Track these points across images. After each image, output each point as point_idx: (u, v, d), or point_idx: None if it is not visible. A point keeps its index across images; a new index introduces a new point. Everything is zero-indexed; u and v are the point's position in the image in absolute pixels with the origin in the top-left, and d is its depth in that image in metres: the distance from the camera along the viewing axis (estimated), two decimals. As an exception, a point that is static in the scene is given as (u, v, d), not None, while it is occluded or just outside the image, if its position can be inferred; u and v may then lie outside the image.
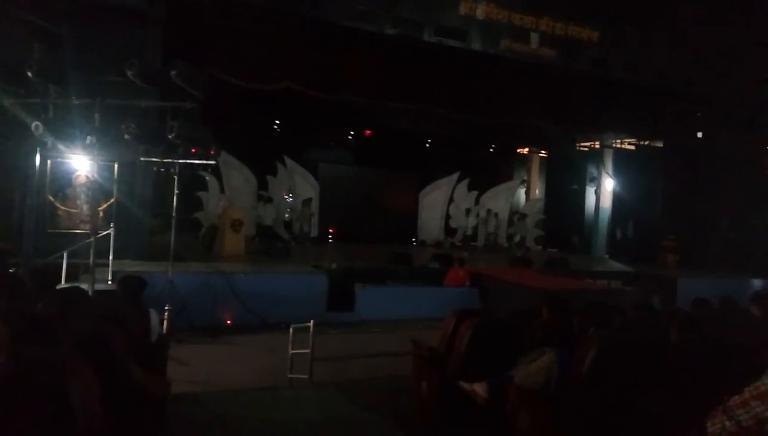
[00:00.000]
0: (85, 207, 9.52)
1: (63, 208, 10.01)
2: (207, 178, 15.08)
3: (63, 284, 6.81)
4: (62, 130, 7.24)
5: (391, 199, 18.96)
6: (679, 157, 16.74)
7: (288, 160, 16.93)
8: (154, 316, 4.33)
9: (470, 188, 19.23)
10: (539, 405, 3.38)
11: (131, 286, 4.42)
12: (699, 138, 16.85)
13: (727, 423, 2.36)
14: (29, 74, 6.29)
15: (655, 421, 2.84)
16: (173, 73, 6.53)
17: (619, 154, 18.85)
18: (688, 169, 16.45)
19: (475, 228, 18.78)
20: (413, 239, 18.31)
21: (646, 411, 2.91)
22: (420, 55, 12.80)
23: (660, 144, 17.74)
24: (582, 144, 19.72)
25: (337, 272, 11.34)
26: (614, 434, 2.97)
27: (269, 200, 16.03)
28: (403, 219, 18.58)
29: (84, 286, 5.84)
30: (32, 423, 1.19)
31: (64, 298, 2.84)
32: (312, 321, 7.08)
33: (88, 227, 8.68)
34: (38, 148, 8.92)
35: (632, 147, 18.65)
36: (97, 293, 5.95)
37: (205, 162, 10.16)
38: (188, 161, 9.30)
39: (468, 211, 18.38)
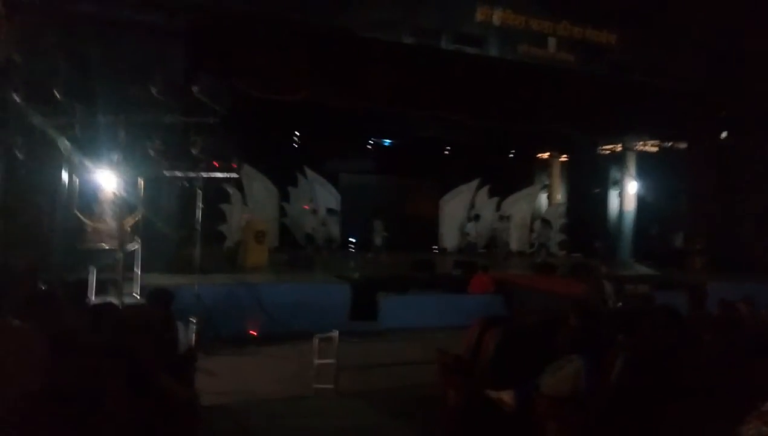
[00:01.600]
0: (112, 223, 9.70)
1: (90, 223, 10.20)
2: (230, 190, 15.24)
3: (92, 299, 6.94)
4: (88, 147, 7.41)
5: (413, 207, 18.95)
6: (703, 159, 16.47)
7: (308, 171, 17.05)
8: (181, 328, 4.40)
9: (491, 195, 19.13)
10: (567, 414, 3.35)
11: (159, 299, 4.49)
12: (724, 138, 16.54)
13: (764, 429, 2.32)
14: (56, 93, 6.45)
15: (687, 428, 2.79)
16: (196, 88, 6.64)
17: (642, 156, 18.60)
18: (714, 170, 16.16)
19: (497, 234, 18.65)
20: (435, 247, 18.26)
21: (678, 418, 2.86)
22: (438, 62, 12.82)
23: (684, 145, 17.46)
24: (604, 147, 19.50)
25: (359, 281, 11.36)
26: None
27: (313, 212, 16.22)
28: (425, 227, 18.52)
29: (113, 300, 5.95)
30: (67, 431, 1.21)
31: (95, 312, 2.90)
32: (336, 331, 7.11)
33: (115, 242, 8.83)
34: (65, 166, 9.12)
35: (655, 149, 18.39)
36: (126, 306, 6.06)
37: (227, 175, 10.28)
38: (211, 175, 9.44)
39: (477, 217, 18.18)
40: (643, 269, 15.52)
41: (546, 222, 18.47)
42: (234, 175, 10.58)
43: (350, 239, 17.24)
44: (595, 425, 3.12)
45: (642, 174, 18.34)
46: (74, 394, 1.36)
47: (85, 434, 1.43)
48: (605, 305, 7.58)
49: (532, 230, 19.16)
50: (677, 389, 3.02)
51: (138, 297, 8.60)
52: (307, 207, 16.96)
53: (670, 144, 17.87)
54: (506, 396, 3.99)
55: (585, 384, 3.38)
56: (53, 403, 1.33)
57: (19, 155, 7.53)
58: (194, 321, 7.71)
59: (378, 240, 15.98)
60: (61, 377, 1.41)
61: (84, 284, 6.74)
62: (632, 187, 18.53)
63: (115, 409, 1.63)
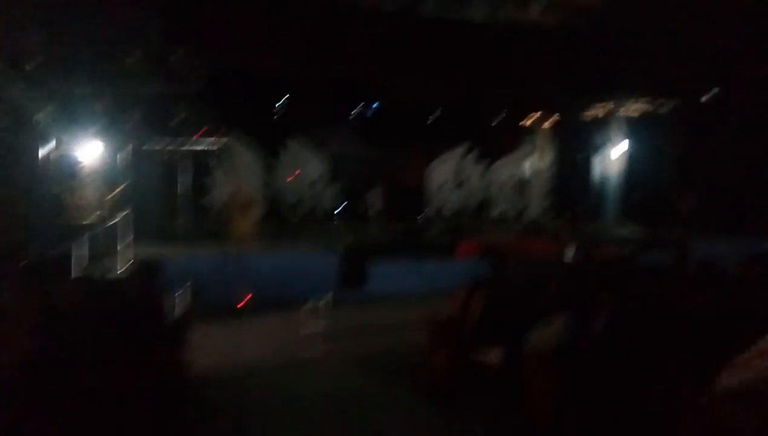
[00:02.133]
0: (92, 197, 9.58)
1: (69, 199, 10.06)
2: (213, 162, 15.08)
3: (74, 275, 6.88)
4: (66, 121, 7.25)
5: (399, 176, 18.88)
6: (692, 118, 16.49)
7: (293, 141, 16.89)
8: (169, 300, 4.38)
9: (477, 161, 19.13)
10: (552, 369, 3.40)
11: (147, 270, 4.46)
12: (714, 95, 16.50)
13: (742, 376, 2.35)
14: (32, 66, 6.27)
15: (670, 380, 2.85)
16: (174, 57, 6.49)
17: (630, 118, 18.61)
18: (703, 129, 16.21)
19: (484, 200, 18.72)
20: (422, 214, 18.29)
21: (660, 371, 2.91)
22: (420, 28, 12.64)
23: (672, 105, 17.46)
24: (590, 110, 19.48)
25: (347, 250, 11.37)
26: (628, 395, 2.98)
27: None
28: (411, 195, 18.51)
29: (95, 273, 5.90)
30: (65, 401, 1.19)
31: (79, 287, 2.87)
32: (324, 298, 7.14)
33: (96, 217, 8.74)
34: (41, 141, 8.93)
35: (643, 110, 18.39)
36: (113, 279, 6.02)
37: (209, 146, 10.16)
38: (194, 147, 9.33)
39: (464, 183, 18.15)
40: (629, 231, 15.69)
41: (529, 185, 18.32)
42: (217, 145, 10.48)
43: (336, 209, 17.21)
44: (581, 379, 3.17)
45: (629, 136, 18.37)
46: (70, 364, 1.34)
47: (81, 405, 1.41)
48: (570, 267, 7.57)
49: (519, 195, 19.24)
50: (661, 342, 3.07)
51: (121, 271, 8.55)
52: (290, 178, 16.86)
53: (657, 104, 17.87)
54: (493, 356, 4.05)
55: (571, 340, 3.43)
56: (50, 374, 1.30)
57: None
58: (182, 292, 7.69)
59: (369, 209, 16.03)
60: (56, 348, 1.38)
61: (67, 260, 6.66)
62: (619, 149, 18.59)
63: (111, 379, 1.61)
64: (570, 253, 8.19)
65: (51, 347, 1.34)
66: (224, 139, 11.16)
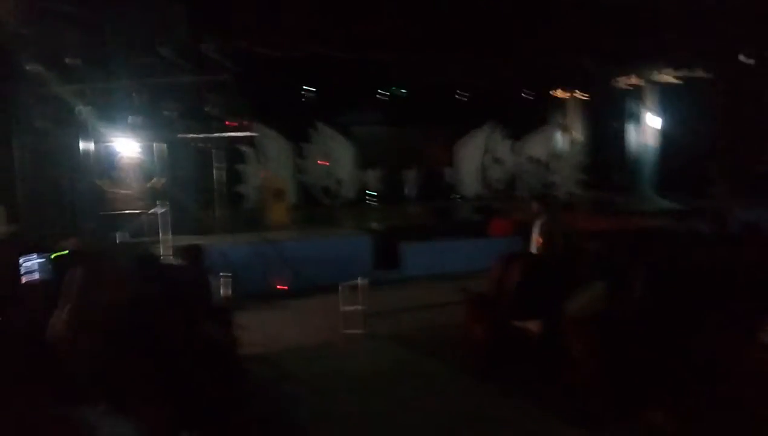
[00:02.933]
0: (134, 186, 9.86)
1: (111, 190, 10.39)
2: (245, 150, 15.30)
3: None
4: (103, 113, 7.48)
5: (428, 156, 18.85)
6: (728, 88, 16.01)
7: (321, 126, 17.00)
8: (214, 282, 4.55)
9: (506, 137, 18.94)
10: (592, 333, 3.44)
11: (189, 254, 4.62)
12: (750, 65, 16.01)
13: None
14: (69, 61, 6.49)
15: (709, 336, 2.87)
16: (205, 46, 6.63)
17: (663, 88, 18.14)
18: (739, 99, 15.74)
19: (514, 177, 18.59)
20: (453, 194, 18.26)
21: (699, 330, 2.93)
22: (444, 3, 12.52)
23: (708, 75, 16.98)
24: (622, 81, 19.04)
25: (380, 231, 11.48)
26: (668, 354, 3.01)
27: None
28: (441, 174, 18.48)
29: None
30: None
31: (143, 263, 3.01)
32: (360, 278, 7.25)
33: (139, 206, 9.01)
34: (82, 133, 9.22)
35: (677, 80, 17.92)
36: (163, 263, 6.22)
37: (241, 134, 10.32)
38: (225, 135, 9.49)
39: (497, 160, 17.96)
40: (665, 203, 15.41)
41: (560, 160, 18.07)
42: (248, 133, 10.63)
43: (368, 191, 17.32)
44: (620, 341, 3.21)
45: (662, 106, 17.95)
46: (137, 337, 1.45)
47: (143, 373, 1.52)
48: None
49: (549, 170, 19.01)
50: (697, 303, 3.08)
51: (168, 256, 8.81)
52: (321, 162, 17.00)
53: (692, 74, 17.38)
54: (532, 325, 4.11)
55: (608, 305, 3.46)
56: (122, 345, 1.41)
57: (39, 124, 7.63)
58: (224, 276, 7.91)
59: (400, 190, 16.21)
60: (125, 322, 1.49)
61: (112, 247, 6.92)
62: (652, 120, 18.18)
63: (170, 351, 1.73)
64: (607, 226, 8.14)
65: (122, 320, 1.46)
66: (256, 127, 11.32)
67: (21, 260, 1.33)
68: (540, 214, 6.74)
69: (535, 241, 6.37)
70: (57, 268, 1.21)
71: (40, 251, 2.34)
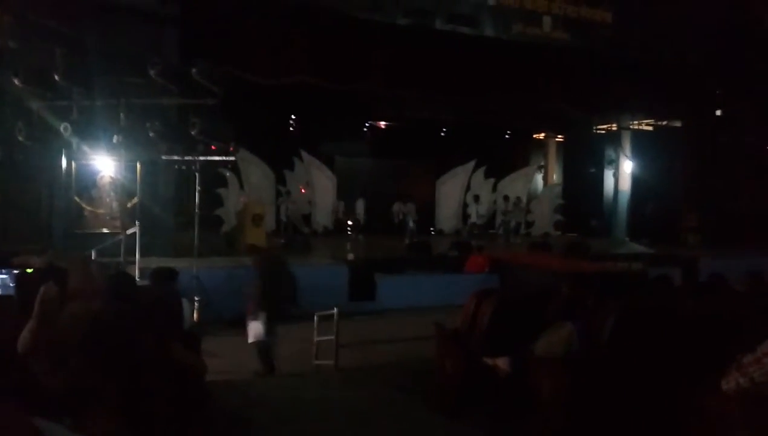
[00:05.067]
0: (114, 205, 9.77)
1: (89, 208, 10.30)
2: (227, 174, 15.31)
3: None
4: (87, 131, 7.48)
5: (409, 190, 19.05)
6: (698, 137, 16.58)
7: (305, 155, 17.11)
8: (186, 305, 4.51)
9: (487, 176, 19.24)
10: (560, 374, 3.49)
11: (163, 276, 4.60)
12: (718, 116, 16.65)
13: (741, 380, 2.45)
14: (56, 77, 6.50)
15: (673, 383, 2.93)
16: (194, 70, 6.70)
17: (637, 135, 18.72)
18: (708, 148, 16.28)
19: (493, 215, 18.83)
20: (431, 228, 18.39)
21: (664, 374, 3.00)
22: (432, 43, 12.86)
23: (678, 124, 17.57)
24: (599, 127, 19.60)
25: (357, 262, 11.49)
26: (633, 398, 3.07)
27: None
28: (421, 208, 18.66)
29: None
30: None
31: (117, 281, 3.00)
32: (336, 309, 7.24)
33: (114, 226, 8.93)
34: (64, 150, 9.18)
35: (650, 128, 18.50)
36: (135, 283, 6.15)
37: (224, 158, 10.34)
38: (209, 158, 9.51)
39: (477, 197, 18.17)
40: (637, 247, 15.70)
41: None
42: (231, 158, 10.66)
43: (347, 221, 17.38)
44: (587, 383, 3.26)
45: (637, 153, 18.47)
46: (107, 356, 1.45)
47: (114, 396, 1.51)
48: None
49: (528, 211, 19.29)
50: (663, 349, 3.16)
51: (138, 280, 8.70)
52: (303, 190, 17.06)
53: (664, 122, 17.97)
54: (501, 362, 4.14)
55: (577, 346, 3.52)
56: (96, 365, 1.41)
57: (20, 138, 7.58)
58: (197, 300, 7.84)
59: (410, 224, 16.42)
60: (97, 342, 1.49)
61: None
62: (627, 166, 18.66)
63: (135, 370, 1.73)
64: (580, 268, 8.26)
65: (94, 339, 1.46)
66: (240, 152, 11.36)
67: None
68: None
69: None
70: (27, 284, 1.22)
71: (10, 266, 2.32)
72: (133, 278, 4.03)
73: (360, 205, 17.00)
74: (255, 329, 6.37)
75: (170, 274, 4.71)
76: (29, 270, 1.28)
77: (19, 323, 1.19)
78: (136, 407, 1.22)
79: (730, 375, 2.51)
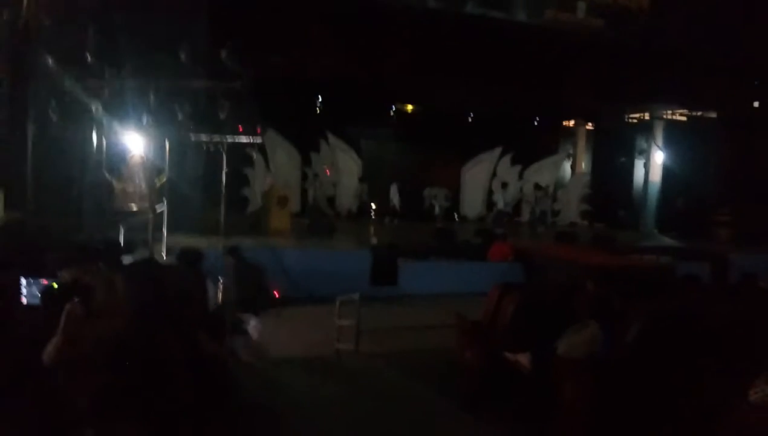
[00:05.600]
0: (143, 185, 9.92)
1: (119, 185, 10.48)
2: (253, 155, 15.39)
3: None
4: (118, 111, 7.57)
5: (434, 175, 18.93)
6: (733, 129, 16.11)
7: (331, 137, 17.10)
8: (211, 287, 4.56)
9: (514, 163, 18.99)
10: (583, 375, 3.45)
11: (189, 258, 4.64)
12: (755, 108, 16.13)
13: (770, 391, 2.39)
14: (88, 57, 6.57)
15: (699, 390, 2.88)
16: (224, 54, 6.71)
17: (670, 125, 18.25)
18: (744, 141, 15.82)
19: (519, 203, 18.64)
20: (455, 215, 18.29)
21: (690, 380, 2.94)
22: (463, 27, 12.67)
23: (713, 115, 17.08)
24: (631, 115, 19.15)
25: (380, 247, 11.49)
26: (657, 404, 3.02)
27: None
28: (446, 194, 18.53)
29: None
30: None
31: (139, 270, 3.05)
32: (357, 294, 7.27)
33: (143, 203, 9.07)
34: (95, 128, 9.31)
35: (684, 118, 18.02)
36: (161, 265, 6.25)
37: (251, 140, 10.39)
38: (236, 139, 9.57)
39: (504, 185, 17.97)
40: (666, 241, 15.41)
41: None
42: (258, 139, 10.70)
43: (371, 205, 17.38)
44: (610, 386, 3.22)
45: (669, 144, 18.03)
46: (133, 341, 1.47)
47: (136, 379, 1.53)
48: None
49: (555, 199, 19.04)
50: (690, 355, 3.10)
51: (165, 257, 8.86)
52: (328, 172, 17.09)
53: (699, 113, 17.48)
54: (523, 358, 4.11)
55: (601, 348, 3.47)
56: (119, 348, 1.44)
57: (52, 116, 7.71)
58: (222, 282, 7.93)
59: (436, 209, 16.40)
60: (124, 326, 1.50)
61: (117, 245, 6.95)
62: (659, 157, 18.24)
63: (164, 357, 1.74)
64: (606, 261, 8.15)
65: (121, 324, 1.47)
66: (267, 134, 11.40)
67: (23, 283, 1.35)
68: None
69: None
70: (53, 299, 1.24)
71: (42, 272, 2.37)
72: (157, 263, 4.07)
73: (394, 191, 16.94)
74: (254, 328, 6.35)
75: (196, 257, 4.75)
76: (55, 285, 1.30)
77: (45, 335, 1.21)
78: (160, 413, 1.24)
79: (758, 386, 2.45)
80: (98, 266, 2.59)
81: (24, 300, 1.32)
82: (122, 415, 1.16)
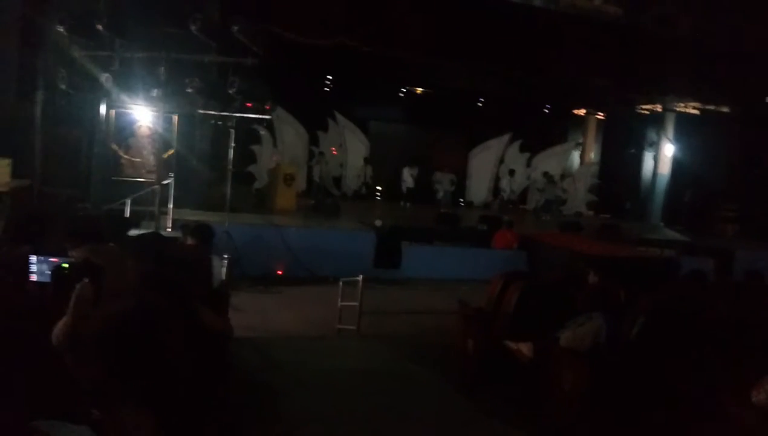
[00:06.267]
0: (150, 157, 9.91)
1: (126, 157, 10.48)
2: (261, 132, 15.34)
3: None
4: (127, 82, 7.53)
5: (441, 159, 18.85)
6: (745, 124, 15.92)
7: (339, 117, 17.01)
8: (216, 263, 4.55)
9: (522, 150, 18.88)
10: (584, 367, 3.45)
11: (202, 234, 4.64)
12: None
13: (774, 394, 2.39)
14: (98, 27, 6.52)
15: (700, 388, 2.88)
16: (235, 29, 6.65)
17: (682, 118, 18.05)
18: (755, 137, 15.64)
19: (525, 190, 18.57)
20: (461, 200, 18.24)
21: (691, 378, 2.94)
22: (477, 10, 12.48)
23: (726, 109, 16.87)
24: (643, 106, 18.94)
25: (384, 229, 11.48)
26: (658, 399, 3.03)
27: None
28: (453, 179, 18.47)
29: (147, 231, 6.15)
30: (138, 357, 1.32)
31: (144, 243, 3.04)
32: (361, 275, 7.28)
33: (153, 176, 9.07)
34: (103, 99, 9.30)
35: (696, 111, 17.81)
36: (166, 239, 6.26)
37: (260, 116, 10.35)
38: (244, 115, 9.53)
39: (512, 172, 17.87)
40: (671, 234, 15.34)
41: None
42: (267, 116, 10.66)
43: (377, 187, 17.36)
44: (611, 381, 3.22)
45: (680, 137, 17.86)
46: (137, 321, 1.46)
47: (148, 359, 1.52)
48: None
49: (562, 189, 18.95)
50: (693, 350, 3.09)
51: (170, 231, 8.89)
52: (335, 152, 17.04)
53: (711, 107, 17.27)
54: (525, 348, 4.12)
55: (604, 341, 3.47)
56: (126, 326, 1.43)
57: (62, 86, 7.68)
58: (226, 258, 7.95)
59: (440, 194, 16.37)
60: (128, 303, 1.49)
61: (122, 216, 6.98)
62: (669, 149, 18.09)
63: (170, 337, 1.73)
64: (610, 252, 8.11)
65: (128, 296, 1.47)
66: (276, 111, 11.35)
67: (33, 260, 1.34)
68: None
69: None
70: (63, 278, 1.23)
71: (50, 245, 2.36)
72: (161, 237, 4.06)
73: (407, 173, 16.89)
74: None
75: (210, 234, 4.73)
76: (65, 266, 1.29)
77: (54, 313, 1.21)
78: (164, 395, 1.24)
79: (761, 387, 2.45)
80: (108, 245, 2.58)
81: (33, 277, 1.32)
82: (127, 396, 1.16)
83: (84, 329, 1.17)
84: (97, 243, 2.81)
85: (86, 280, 1.22)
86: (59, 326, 1.21)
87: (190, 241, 4.56)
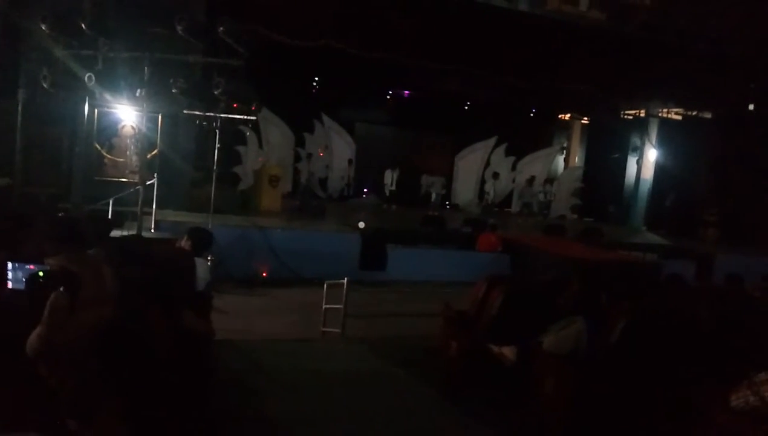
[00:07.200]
0: (134, 157, 9.82)
1: (109, 157, 10.37)
2: (247, 133, 15.27)
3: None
4: (111, 82, 7.46)
5: (427, 162, 18.90)
6: (728, 130, 16.16)
7: (326, 118, 16.98)
8: (200, 265, 4.51)
9: (508, 153, 18.99)
10: (566, 371, 3.48)
11: (201, 240, 4.61)
12: (750, 110, 16.19)
13: (752, 398, 2.42)
14: (82, 26, 6.45)
15: (680, 392, 2.91)
16: (221, 29, 6.61)
17: (665, 124, 18.29)
18: (737, 143, 15.88)
19: (510, 194, 18.67)
20: (447, 203, 18.30)
21: (671, 383, 2.97)
22: (464, 14, 12.55)
23: (708, 115, 17.13)
24: (627, 112, 19.16)
25: (369, 231, 11.49)
26: (638, 404, 3.06)
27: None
28: (438, 181, 18.52)
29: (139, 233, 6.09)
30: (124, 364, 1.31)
31: (126, 246, 3.00)
32: (346, 278, 7.27)
33: (136, 176, 8.99)
34: (87, 99, 9.19)
35: (679, 117, 18.06)
36: (149, 240, 6.21)
37: (245, 117, 10.30)
38: (230, 116, 9.48)
39: (496, 175, 17.96)
40: (653, 238, 15.52)
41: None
42: (252, 117, 10.61)
43: (362, 188, 17.35)
44: (592, 384, 3.25)
45: (663, 142, 18.08)
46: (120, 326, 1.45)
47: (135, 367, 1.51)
48: None
49: (546, 192, 19.07)
50: (674, 355, 3.13)
51: (153, 232, 8.81)
52: (321, 154, 17.00)
53: (694, 113, 17.52)
54: (507, 351, 4.14)
55: (586, 345, 3.50)
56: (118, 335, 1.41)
57: (44, 85, 7.58)
58: (210, 259, 7.89)
59: (433, 197, 16.41)
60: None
61: (105, 217, 6.90)
62: (652, 154, 18.31)
63: (155, 341, 1.72)
64: (593, 255, 8.18)
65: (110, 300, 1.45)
66: (262, 112, 11.31)
67: (9, 266, 1.32)
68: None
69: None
70: (38, 286, 1.21)
71: (26, 249, 2.33)
72: (142, 239, 4.02)
73: (389, 176, 16.90)
74: None
75: (208, 241, 4.68)
76: (41, 274, 1.26)
77: (29, 322, 1.19)
78: (145, 404, 1.23)
79: (740, 391, 2.48)
80: (86, 253, 2.56)
81: (9, 284, 1.30)
82: (105, 405, 1.14)
83: (59, 338, 1.15)
84: (77, 248, 2.77)
85: (61, 289, 1.19)
86: (33, 336, 1.19)
87: (186, 244, 4.52)
